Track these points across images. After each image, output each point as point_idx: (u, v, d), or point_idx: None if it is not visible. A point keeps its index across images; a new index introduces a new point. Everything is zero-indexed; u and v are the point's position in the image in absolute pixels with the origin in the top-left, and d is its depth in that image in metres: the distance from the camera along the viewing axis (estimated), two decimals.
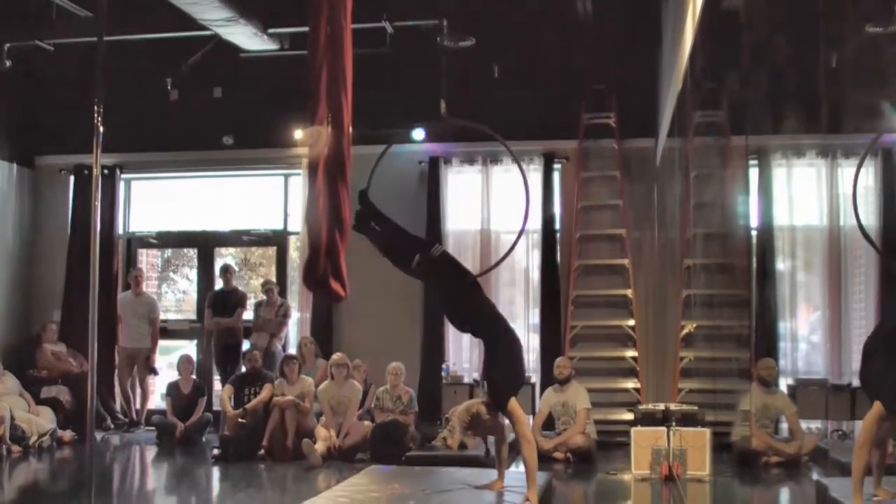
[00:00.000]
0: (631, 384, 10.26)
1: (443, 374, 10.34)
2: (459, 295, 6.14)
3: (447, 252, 6.27)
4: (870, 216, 10.00)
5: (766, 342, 9.50)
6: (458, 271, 6.24)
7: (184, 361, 10.53)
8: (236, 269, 12.10)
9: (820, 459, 8.42)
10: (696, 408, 8.20)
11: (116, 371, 11.23)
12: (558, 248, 10.68)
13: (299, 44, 10.03)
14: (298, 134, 10.24)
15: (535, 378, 10.41)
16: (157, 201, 12.08)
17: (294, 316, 11.16)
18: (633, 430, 8.24)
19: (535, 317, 10.70)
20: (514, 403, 5.98)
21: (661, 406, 8.51)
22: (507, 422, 6.22)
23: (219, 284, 11.19)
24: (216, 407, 10.49)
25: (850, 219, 10.00)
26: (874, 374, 5.28)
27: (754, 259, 9.63)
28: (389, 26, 9.86)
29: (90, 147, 6.47)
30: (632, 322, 10.38)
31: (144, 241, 12.05)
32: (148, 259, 12.30)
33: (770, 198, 10.05)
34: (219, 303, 10.85)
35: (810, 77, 7.35)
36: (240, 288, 11.31)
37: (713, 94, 6.78)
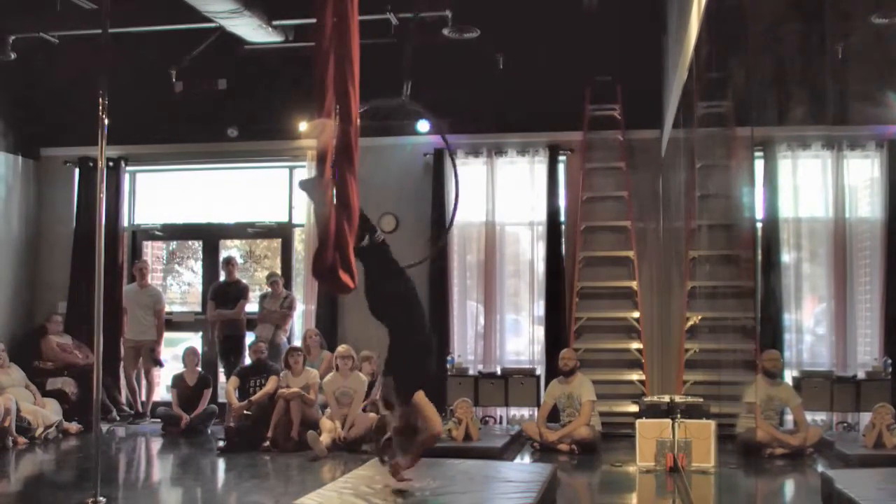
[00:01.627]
0: (636, 376, 10.27)
1: (448, 365, 10.35)
2: (386, 285, 5.94)
3: (386, 242, 6.04)
4: (875, 208, 10.00)
5: (771, 334, 9.49)
6: (391, 262, 6.04)
7: (189, 353, 10.57)
8: (240, 260, 12.12)
9: (825, 451, 8.43)
10: (700, 399, 8.20)
11: (122, 363, 11.27)
12: (563, 239, 10.67)
13: (303, 35, 10.07)
14: (303, 126, 10.24)
15: (539, 370, 10.43)
16: (161, 193, 12.09)
17: (299, 308, 11.17)
18: (638, 421, 8.26)
19: (539, 309, 10.70)
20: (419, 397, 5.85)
21: (666, 398, 8.52)
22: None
23: (223, 276, 11.21)
24: (221, 398, 10.52)
25: (855, 210, 10.01)
26: None
27: (759, 250, 9.62)
28: (394, 18, 9.83)
29: (95, 139, 6.51)
30: (637, 314, 10.38)
31: (149, 234, 12.05)
32: (153, 251, 12.31)
33: (775, 189, 10.04)
34: (221, 295, 10.86)
35: (816, 68, 7.34)
36: (243, 280, 11.33)
37: (718, 85, 6.75)
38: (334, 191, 4.94)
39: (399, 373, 5.93)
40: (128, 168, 11.75)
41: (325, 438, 8.91)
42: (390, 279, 5.89)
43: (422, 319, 6.16)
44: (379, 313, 5.96)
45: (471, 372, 10.43)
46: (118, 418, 11.00)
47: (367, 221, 5.71)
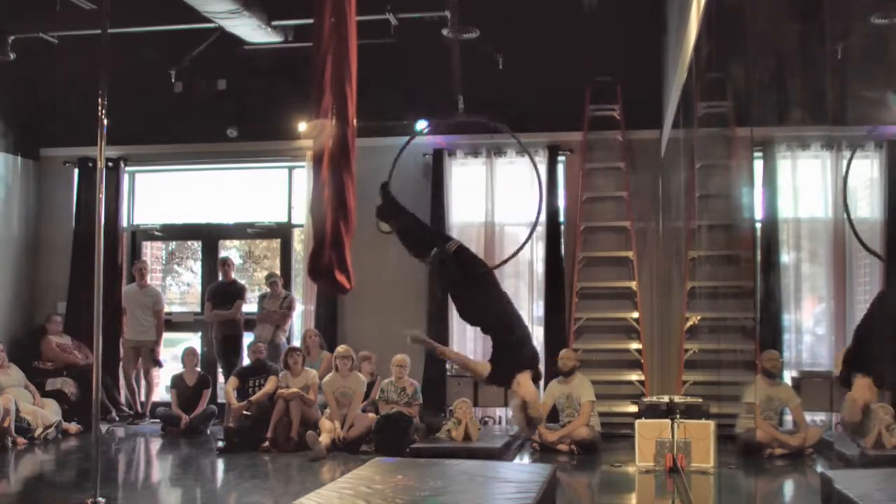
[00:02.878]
0: (635, 376, 10.26)
1: (447, 366, 10.34)
2: (471, 292, 6.13)
3: (463, 246, 6.26)
4: (874, 208, 9.99)
5: (770, 334, 9.47)
6: (471, 266, 6.19)
7: (188, 354, 10.58)
8: (240, 260, 12.12)
9: (824, 451, 8.41)
10: (700, 400, 8.20)
11: (121, 363, 11.27)
12: (563, 239, 10.67)
13: (303, 36, 10.06)
14: (302, 126, 10.25)
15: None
16: (161, 193, 12.09)
17: (299, 308, 11.17)
18: (638, 422, 8.26)
19: (539, 309, 10.70)
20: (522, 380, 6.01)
21: (666, 398, 8.52)
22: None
23: (220, 277, 11.20)
24: (220, 399, 10.51)
25: (855, 211, 10.00)
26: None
27: (759, 251, 9.60)
28: (394, 18, 9.83)
29: (94, 139, 6.51)
30: (636, 314, 10.37)
31: (149, 234, 12.05)
32: (152, 251, 12.31)
33: (775, 189, 10.03)
34: (218, 295, 10.86)
35: (815, 68, 7.32)
36: (240, 280, 11.32)
37: (718, 85, 6.75)
38: (331, 191, 4.95)
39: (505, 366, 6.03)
40: (127, 168, 11.74)
41: (324, 438, 8.91)
42: (475, 284, 6.01)
43: (514, 316, 6.20)
44: (471, 318, 6.31)
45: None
46: (118, 419, 11.00)
47: (435, 235, 5.90)
